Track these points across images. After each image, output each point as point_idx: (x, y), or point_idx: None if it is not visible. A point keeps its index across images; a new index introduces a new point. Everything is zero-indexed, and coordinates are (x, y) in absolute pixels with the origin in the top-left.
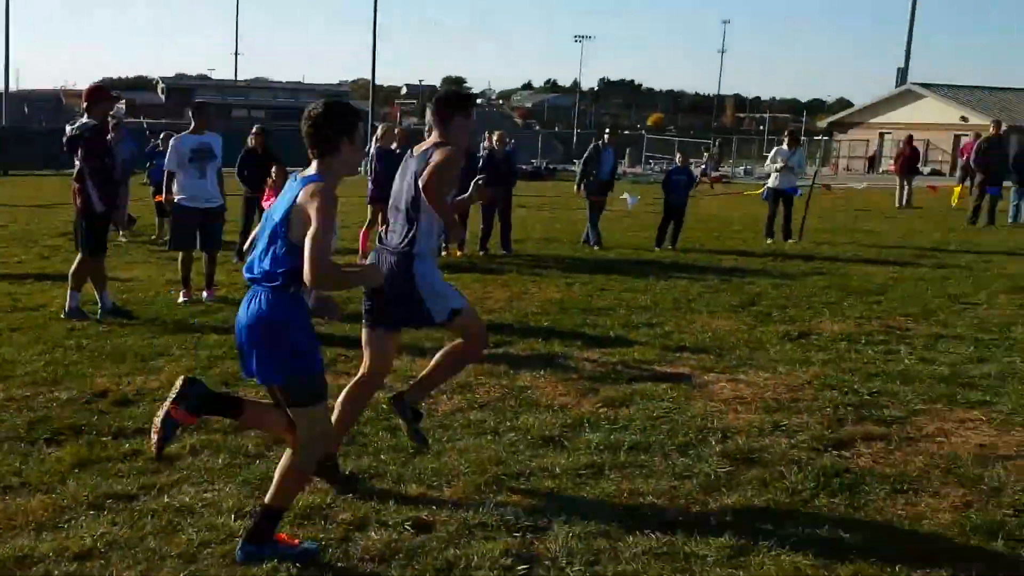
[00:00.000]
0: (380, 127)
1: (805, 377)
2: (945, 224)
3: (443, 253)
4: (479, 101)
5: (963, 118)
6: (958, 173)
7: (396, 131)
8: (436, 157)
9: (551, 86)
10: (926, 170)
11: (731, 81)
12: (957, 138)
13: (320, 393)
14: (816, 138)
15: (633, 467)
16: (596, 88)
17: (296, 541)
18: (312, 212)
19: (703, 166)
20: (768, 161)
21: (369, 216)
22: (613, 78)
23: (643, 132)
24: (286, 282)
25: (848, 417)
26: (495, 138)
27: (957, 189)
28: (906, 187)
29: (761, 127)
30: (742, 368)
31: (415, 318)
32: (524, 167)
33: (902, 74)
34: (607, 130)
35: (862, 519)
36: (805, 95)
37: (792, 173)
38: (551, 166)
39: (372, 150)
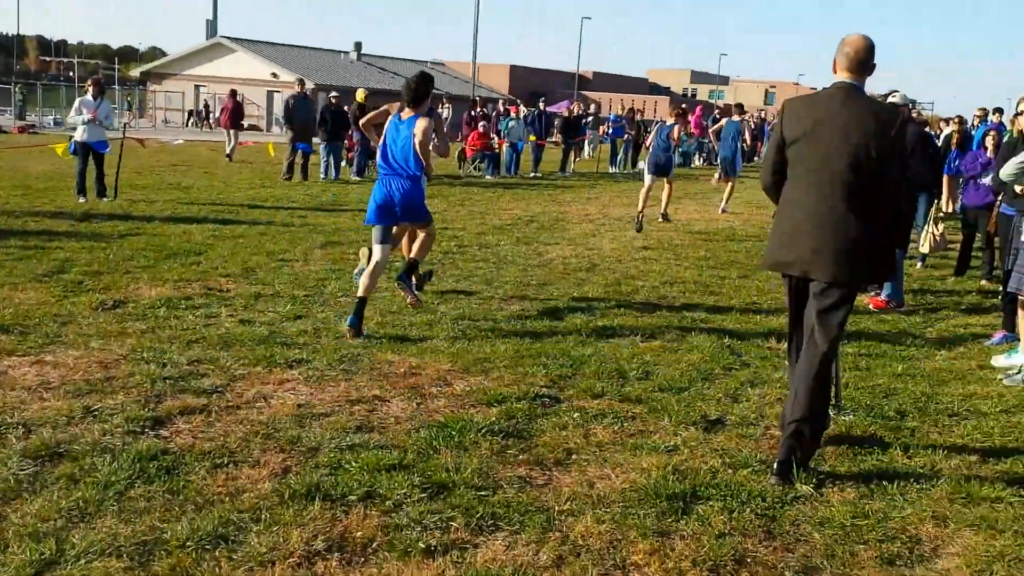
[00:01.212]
0: None
1: (121, 351)
2: (262, 179)
3: None
4: None
5: (274, 74)
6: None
7: None
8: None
9: None
10: (246, 124)
11: (33, 21)
12: (271, 94)
13: (431, 218)
14: (130, 88)
15: None
16: None
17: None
18: (420, 133)
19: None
20: (72, 112)
21: None
22: None
23: None
24: (420, 173)
25: (167, 391)
26: None
27: (269, 145)
28: (233, 139)
29: (71, 73)
30: (49, 347)
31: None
32: None
33: (212, 26)
34: None
35: (182, 503)
36: (116, 41)
37: (100, 126)
38: None
39: None
